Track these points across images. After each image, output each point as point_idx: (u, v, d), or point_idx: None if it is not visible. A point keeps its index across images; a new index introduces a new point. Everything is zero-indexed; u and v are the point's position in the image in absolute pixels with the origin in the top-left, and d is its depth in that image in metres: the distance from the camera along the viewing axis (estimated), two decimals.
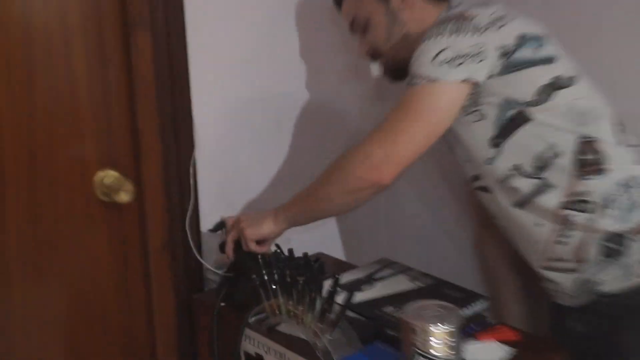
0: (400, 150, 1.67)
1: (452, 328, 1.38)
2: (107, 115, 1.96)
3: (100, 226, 2.01)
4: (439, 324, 1.37)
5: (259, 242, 1.91)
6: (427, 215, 2.55)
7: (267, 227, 1.89)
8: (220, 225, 2.03)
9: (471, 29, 1.63)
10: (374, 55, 1.95)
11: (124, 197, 1.94)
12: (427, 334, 1.37)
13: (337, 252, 2.46)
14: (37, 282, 1.92)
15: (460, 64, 1.61)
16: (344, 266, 2.16)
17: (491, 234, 2.06)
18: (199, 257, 2.08)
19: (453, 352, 1.39)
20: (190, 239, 2.06)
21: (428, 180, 2.42)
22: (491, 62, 1.62)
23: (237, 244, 1.95)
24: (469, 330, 1.60)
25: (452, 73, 1.62)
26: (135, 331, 2.10)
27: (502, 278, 2.10)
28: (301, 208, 1.87)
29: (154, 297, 2.06)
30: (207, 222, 2.10)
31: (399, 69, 1.91)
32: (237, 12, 2.11)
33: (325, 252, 2.31)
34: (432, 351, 1.37)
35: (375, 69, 2.09)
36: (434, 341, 1.37)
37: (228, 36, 2.10)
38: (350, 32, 1.97)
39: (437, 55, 1.62)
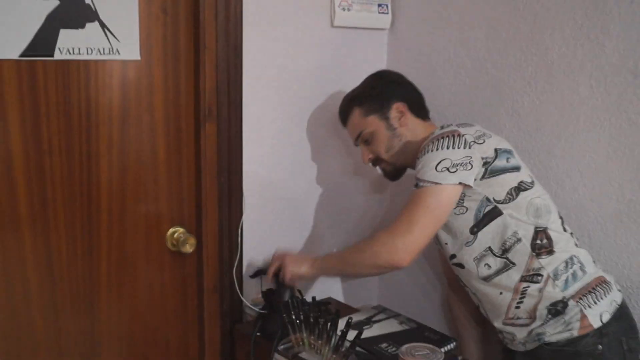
0: (416, 238, 1.87)
1: None
2: (179, 185, 2.22)
3: (168, 269, 2.25)
4: None
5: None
6: (410, 275, 2.74)
7: (304, 269, 2.09)
8: (258, 273, 2.28)
9: (462, 144, 1.88)
10: (376, 162, 2.17)
11: (187, 248, 2.19)
12: None
13: (337, 294, 2.70)
14: (117, 304, 2.17)
15: (456, 171, 1.85)
16: (348, 309, 2.40)
17: (457, 296, 2.33)
18: (241, 297, 2.33)
19: None
20: (235, 283, 2.31)
21: None
22: (477, 169, 1.87)
23: (272, 293, 2.19)
24: None
25: (450, 178, 1.85)
26: (188, 352, 2.35)
27: (465, 327, 2.33)
28: (334, 265, 2.06)
29: (206, 326, 2.32)
30: (248, 270, 2.37)
31: (396, 171, 2.16)
32: (277, 122, 2.39)
33: (331, 295, 2.59)
34: None
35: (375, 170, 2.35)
36: None
37: (272, 136, 2.39)
38: (355, 143, 2.19)
39: (438, 164, 1.86)
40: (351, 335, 1.89)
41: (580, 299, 1.86)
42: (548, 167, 2.17)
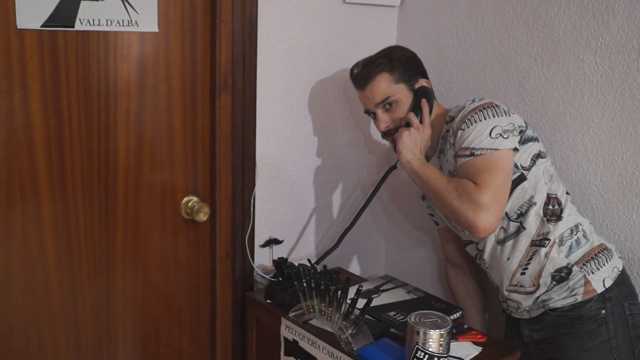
0: (502, 201, 1.81)
1: (444, 332, 1.66)
2: (193, 155, 2.20)
3: (182, 236, 2.24)
4: (435, 328, 1.66)
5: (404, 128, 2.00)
6: (416, 247, 2.74)
7: (409, 149, 1.96)
8: (268, 243, 2.31)
9: (503, 112, 1.88)
10: (391, 131, 2.07)
11: (201, 217, 2.18)
12: (427, 335, 1.65)
13: (345, 265, 2.71)
14: (132, 270, 2.17)
15: (508, 137, 1.85)
16: (356, 279, 2.40)
17: (456, 270, 2.34)
18: (253, 265, 2.33)
19: (444, 349, 1.68)
20: (247, 251, 2.31)
21: (417, 227, 2.70)
22: (518, 136, 1.89)
23: (283, 262, 2.18)
24: (451, 332, 1.73)
25: (506, 143, 1.84)
26: (200, 318, 2.36)
27: (470, 295, 2.32)
28: (426, 178, 1.91)
29: (217, 292, 2.30)
30: (259, 240, 2.38)
31: None
32: (291, 94, 2.38)
33: (339, 265, 2.59)
34: (429, 348, 1.66)
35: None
36: (431, 341, 1.66)
37: (284, 108, 2.37)
38: (371, 110, 2.08)
39: (491, 131, 1.84)
40: (360, 303, 1.89)
41: (584, 264, 1.89)
42: (553, 141, 2.16)
